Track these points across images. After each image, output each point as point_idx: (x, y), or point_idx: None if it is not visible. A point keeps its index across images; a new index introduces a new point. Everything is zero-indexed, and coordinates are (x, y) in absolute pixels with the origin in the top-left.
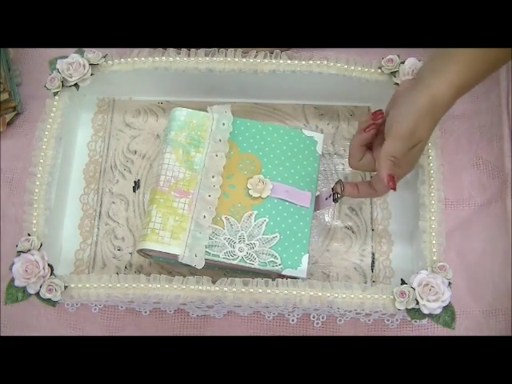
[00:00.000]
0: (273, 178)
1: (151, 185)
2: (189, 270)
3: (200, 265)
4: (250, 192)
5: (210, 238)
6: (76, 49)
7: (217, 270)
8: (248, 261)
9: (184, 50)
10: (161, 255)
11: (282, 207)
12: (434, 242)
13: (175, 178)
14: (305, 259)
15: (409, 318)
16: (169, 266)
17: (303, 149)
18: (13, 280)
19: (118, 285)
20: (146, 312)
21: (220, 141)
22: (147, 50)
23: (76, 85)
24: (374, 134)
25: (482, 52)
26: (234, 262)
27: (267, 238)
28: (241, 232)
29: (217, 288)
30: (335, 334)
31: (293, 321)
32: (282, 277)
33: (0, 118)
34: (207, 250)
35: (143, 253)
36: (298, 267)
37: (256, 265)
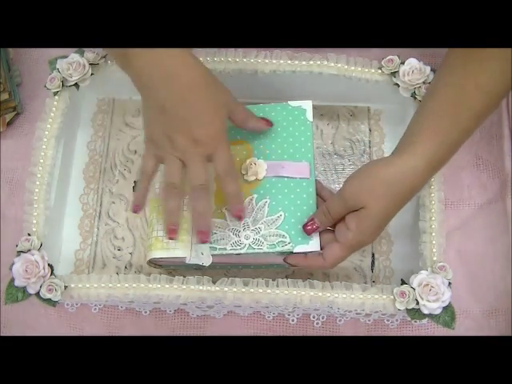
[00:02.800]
0: (267, 158)
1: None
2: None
3: (207, 262)
4: (246, 177)
5: (214, 233)
6: (76, 49)
7: (218, 269)
8: (256, 246)
9: None
10: (170, 262)
11: (281, 184)
12: (434, 242)
13: None
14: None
15: (409, 318)
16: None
17: (292, 120)
18: (13, 280)
19: (118, 285)
20: (146, 312)
21: None
22: None
23: (76, 85)
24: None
25: (450, 124)
26: (242, 251)
27: (272, 219)
28: (244, 219)
29: (217, 288)
30: (335, 334)
31: (293, 321)
32: None
33: (0, 118)
34: (213, 245)
35: (153, 264)
36: (309, 241)
37: (265, 248)
